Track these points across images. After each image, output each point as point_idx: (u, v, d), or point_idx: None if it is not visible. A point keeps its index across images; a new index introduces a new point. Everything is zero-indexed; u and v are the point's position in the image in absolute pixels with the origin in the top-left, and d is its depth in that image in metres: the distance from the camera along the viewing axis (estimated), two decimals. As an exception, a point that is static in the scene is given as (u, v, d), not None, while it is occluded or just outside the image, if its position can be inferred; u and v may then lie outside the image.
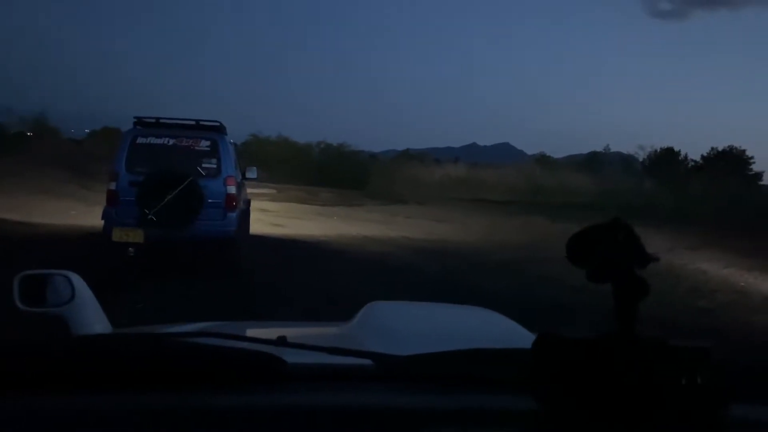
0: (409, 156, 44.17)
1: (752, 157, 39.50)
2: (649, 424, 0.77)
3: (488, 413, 0.90)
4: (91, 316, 1.58)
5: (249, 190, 10.86)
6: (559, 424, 0.81)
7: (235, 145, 9.91)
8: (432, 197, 24.75)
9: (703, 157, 39.92)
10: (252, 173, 9.91)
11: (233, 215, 8.34)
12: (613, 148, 43.82)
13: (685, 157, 40.46)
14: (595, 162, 39.66)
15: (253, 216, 11.31)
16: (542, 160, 41.01)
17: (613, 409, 0.76)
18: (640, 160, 39.43)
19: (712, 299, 8.58)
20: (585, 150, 48.37)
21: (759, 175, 39.02)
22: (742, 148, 39.80)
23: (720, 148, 39.81)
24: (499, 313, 2.00)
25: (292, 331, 1.25)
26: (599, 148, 43.00)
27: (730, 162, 37.84)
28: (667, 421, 0.77)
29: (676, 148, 40.30)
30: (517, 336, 1.61)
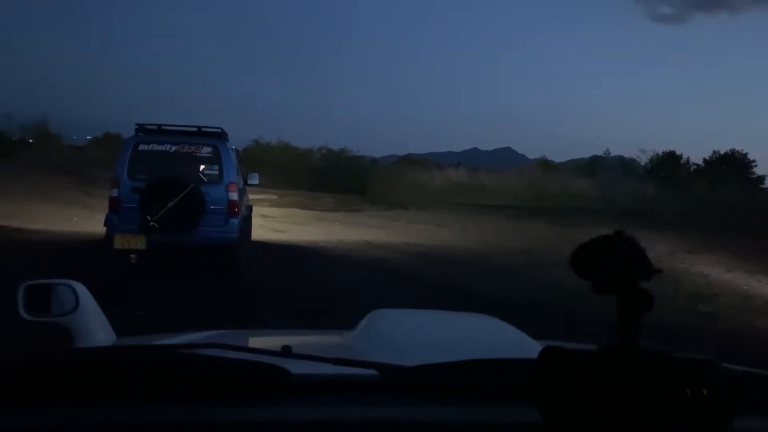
0: (410, 161, 44.19)
1: (754, 161, 39.47)
2: None
3: (493, 425, 0.90)
4: (95, 326, 1.59)
5: (250, 196, 10.88)
6: None
7: (236, 151, 9.93)
8: (433, 202, 24.75)
9: (705, 160, 39.90)
10: (253, 179, 9.93)
11: (235, 221, 8.35)
12: (615, 152, 43.70)
13: (687, 160, 40.44)
14: (596, 166, 39.61)
15: (255, 222, 11.33)
16: (544, 164, 40.97)
17: (618, 422, 0.76)
18: (642, 164, 39.42)
19: (715, 303, 8.56)
20: (587, 154, 48.40)
21: (761, 179, 38.99)
22: (744, 151, 39.78)
23: (722, 152, 39.79)
24: (502, 320, 2.00)
25: (296, 340, 1.26)
26: (601, 153, 42.98)
27: (732, 165, 37.80)
28: None
29: (677, 152, 40.31)
30: (522, 344, 1.61)
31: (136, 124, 8.65)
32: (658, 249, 13.24)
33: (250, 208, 10.45)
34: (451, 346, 1.25)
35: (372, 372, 1.04)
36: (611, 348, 0.80)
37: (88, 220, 11.98)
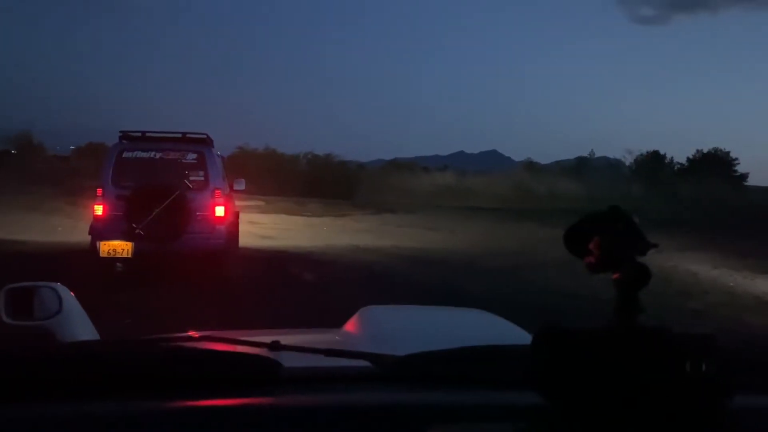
0: (397, 165, 44.26)
1: (736, 159, 39.98)
2: (655, 413, 0.75)
3: (491, 410, 0.88)
4: (79, 329, 1.55)
5: (237, 203, 10.82)
6: (564, 417, 0.79)
7: (222, 157, 9.88)
8: (421, 206, 24.78)
9: (688, 159, 40.34)
10: (240, 185, 9.87)
11: (222, 228, 8.29)
12: (600, 153, 44.20)
13: (671, 160, 40.87)
14: (582, 167, 39.97)
15: (242, 228, 11.25)
16: (530, 166, 41.31)
17: (619, 400, 0.75)
18: (627, 164, 39.81)
19: (703, 300, 8.62)
20: (572, 155, 48.78)
21: (744, 176, 39.49)
22: (727, 149, 40.30)
23: (705, 150, 40.27)
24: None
25: (286, 338, 1.23)
26: (586, 154, 43.39)
27: (715, 164, 38.26)
28: (673, 410, 0.76)
29: (662, 152, 40.73)
30: (514, 335, 1.59)
31: (120, 132, 8.57)
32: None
33: (236, 215, 10.39)
34: (442, 338, 1.23)
35: (364, 363, 1.01)
36: (610, 325, 0.78)
37: (73, 230, 11.86)
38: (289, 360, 1.02)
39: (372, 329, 1.58)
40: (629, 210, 0.81)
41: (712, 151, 40.03)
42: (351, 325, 1.66)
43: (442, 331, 1.64)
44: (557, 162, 50.03)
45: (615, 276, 0.80)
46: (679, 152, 46.19)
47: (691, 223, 18.47)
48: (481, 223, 19.56)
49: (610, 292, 0.83)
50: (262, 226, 15.71)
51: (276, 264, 10.35)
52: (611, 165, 40.85)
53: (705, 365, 0.75)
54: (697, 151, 40.34)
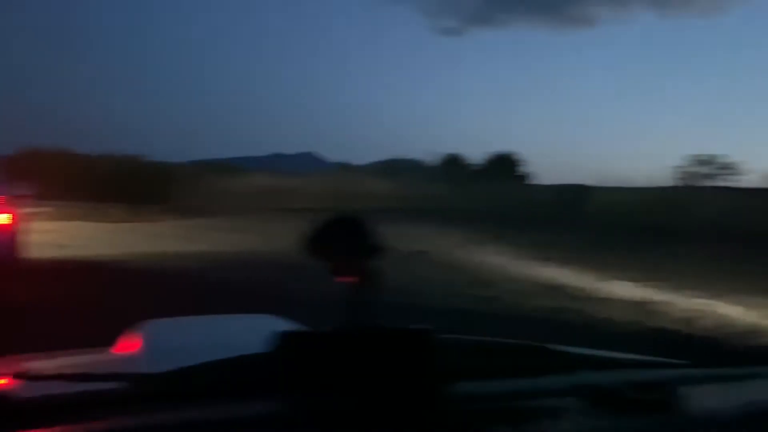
0: (210, 166, 42.72)
1: (524, 160, 44.62)
2: (382, 407, 0.81)
3: (244, 421, 0.89)
4: None
5: (22, 209, 9.68)
6: (303, 419, 0.83)
7: (2, 157, 8.80)
8: (235, 209, 24.22)
9: (483, 160, 44.20)
10: (24, 189, 8.87)
11: (2, 238, 7.39)
12: (409, 155, 46.74)
13: (469, 161, 44.49)
14: (392, 168, 41.93)
15: (31, 238, 10.09)
16: (344, 168, 42.40)
17: (348, 397, 0.80)
18: (431, 165, 42.60)
19: (496, 288, 9.49)
20: (384, 157, 50.93)
21: (531, 176, 44.22)
22: (516, 151, 44.82)
23: (497, 152, 44.40)
24: (289, 318, 1.99)
25: (48, 363, 1.13)
26: (397, 155, 45.68)
27: (506, 165, 42.38)
28: (394, 402, 0.81)
29: (461, 153, 44.22)
30: None
31: None
32: (446, 243, 14.38)
33: (21, 222, 9.28)
34: (221, 348, 1.21)
35: (122, 384, 0.97)
36: (338, 327, 0.83)
37: None
38: (36, 389, 0.93)
39: (148, 345, 1.51)
40: (362, 213, 0.88)
41: (503, 153, 44.29)
42: (126, 343, 1.57)
43: (222, 341, 1.61)
44: (370, 164, 51.88)
45: (348, 279, 0.86)
46: (479, 154, 50.18)
47: (487, 219, 20.26)
48: (295, 224, 19.56)
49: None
50: (56, 235, 14.23)
51: (66, 276, 9.45)
52: (418, 166, 43.38)
53: (422, 357, 0.83)
54: (491, 153, 44.42)
